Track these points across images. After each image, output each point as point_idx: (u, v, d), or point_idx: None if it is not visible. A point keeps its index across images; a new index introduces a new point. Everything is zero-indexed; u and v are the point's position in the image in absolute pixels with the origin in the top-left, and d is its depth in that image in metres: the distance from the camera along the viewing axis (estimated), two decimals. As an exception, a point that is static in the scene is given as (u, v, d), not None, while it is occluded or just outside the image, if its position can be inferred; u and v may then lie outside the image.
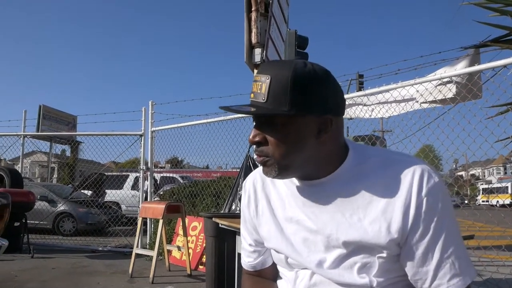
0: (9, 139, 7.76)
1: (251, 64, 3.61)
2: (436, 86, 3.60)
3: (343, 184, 0.89)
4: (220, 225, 2.93)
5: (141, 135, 6.74)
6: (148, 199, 6.47)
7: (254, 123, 0.90)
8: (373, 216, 0.85)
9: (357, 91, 5.20)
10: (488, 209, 3.83)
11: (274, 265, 1.07)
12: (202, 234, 5.10)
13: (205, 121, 5.79)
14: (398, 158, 0.90)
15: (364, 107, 4.29)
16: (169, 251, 5.26)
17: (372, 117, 4.27)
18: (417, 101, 3.79)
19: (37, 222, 7.90)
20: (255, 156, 0.93)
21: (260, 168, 1.03)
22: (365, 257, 0.86)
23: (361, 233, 0.85)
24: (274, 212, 1.00)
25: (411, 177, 0.84)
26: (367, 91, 4.10)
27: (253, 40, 3.61)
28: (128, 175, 12.25)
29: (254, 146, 0.91)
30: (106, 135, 7.23)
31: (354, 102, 4.39)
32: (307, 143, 0.86)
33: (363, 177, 0.88)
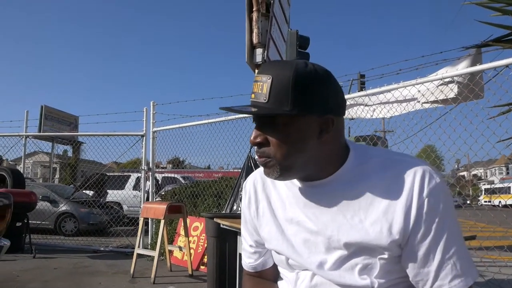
0: (11, 139, 7.79)
1: (252, 64, 3.61)
2: (437, 86, 3.59)
3: (344, 185, 0.89)
4: (221, 226, 2.93)
5: (142, 136, 6.75)
6: (150, 200, 6.47)
7: (255, 124, 0.90)
8: (375, 217, 0.84)
9: (358, 91, 5.19)
10: (490, 209, 3.81)
11: (275, 266, 1.07)
12: (204, 235, 5.09)
13: (206, 121, 5.80)
14: (400, 158, 0.90)
15: (366, 107, 4.29)
16: (171, 252, 5.26)
17: (374, 117, 4.27)
18: (419, 101, 3.79)
19: (39, 222, 7.90)
20: (256, 157, 0.92)
21: (260, 168, 1.03)
22: (366, 259, 0.85)
23: (362, 234, 0.84)
24: (274, 213, 0.99)
25: (412, 178, 0.84)
26: (369, 91, 4.09)
27: (254, 40, 3.61)
28: (130, 175, 12.26)
29: (255, 147, 0.90)
30: (108, 135, 7.24)
31: (355, 102, 4.39)
32: (309, 143, 0.85)
33: (364, 178, 0.88)
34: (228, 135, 5.55)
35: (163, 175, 12.16)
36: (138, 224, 5.29)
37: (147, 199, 6.61)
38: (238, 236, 2.71)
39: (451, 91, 3.50)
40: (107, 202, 10.46)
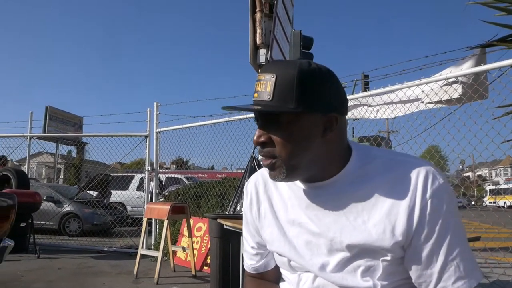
0: (16, 140, 7.82)
1: (256, 65, 3.61)
2: (441, 87, 3.57)
3: (347, 186, 0.88)
4: (224, 226, 2.93)
5: (146, 136, 6.76)
6: (153, 200, 6.48)
7: (258, 124, 0.89)
8: (378, 218, 0.84)
9: (362, 92, 5.17)
10: (495, 210, 3.79)
11: (276, 267, 1.06)
12: (207, 235, 5.10)
13: (210, 122, 5.79)
14: (403, 159, 0.89)
15: (370, 108, 4.27)
16: (174, 252, 5.27)
17: (378, 117, 4.24)
18: (423, 102, 3.77)
19: (43, 222, 7.95)
20: (259, 157, 0.92)
21: (262, 169, 1.02)
22: (369, 260, 0.85)
23: (365, 236, 0.84)
24: (276, 215, 0.99)
25: (415, 179, 0.83)
26: (372, 92, 4.07)
27: (258, 41, 3.61)
28: (134, 176, 12.29)
29: (259, 147, 0.89)
30: (112, 136, 7.26)
31: (359, 103, 4.37)
32: (313, 141, 0.85)
33: (367, 179, 0.87)
34: (231, 136, 5.54)
35: (166, 175, 12.19)
36: (141, 224, 5.29)
37: (151, 199, 6.62)
38: (241, 237, 2.70)
39: (455, 91, 3.48)
40: (111, 202, 10.51)
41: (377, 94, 4.05)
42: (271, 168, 0.88)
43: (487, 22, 3.09)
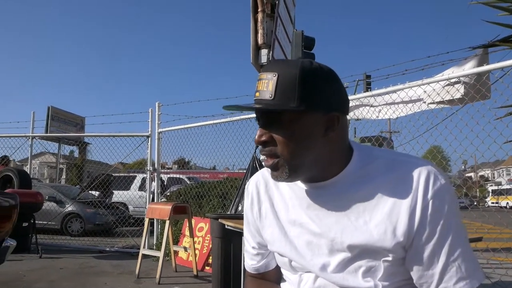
0: (18, 140, 7.85)
1: (258, 65, 3.61)
2: (443, 87, 3.56)
3: (348, 186, 0.88)
4: (226, 226, 2.93)
5: (148, 136, 6.77)
6: (155, 200, 6.49)
7: (259, 123, 0.89)
8: (379, 218, 0.83)
9: (364, 92, 5.16)
10: (497, 211, 3.78)
11: (277, 267, 1.06)
12: (209, 235, 5.10)
13: (211, 122, 5.79)
14: (404, 159, 0.89)
15: (371, 108, 4.26)
16: (176, 252, 5.27)
17: (379, 118, 4.23)
18: (425, 102, 3.76)
19: (45, 222, 7.95)
20: (261, 157, 0.91)
21: (263, 169, 1.02)
22: (370, 261, 0.84)
23: (366, 236, 0.83)
24: (277, 215, 0.99)
25: (417, 179, 0.83)
26: (374, 92, 4.07)
27: (260, 41, 3.61)
28: (135, 176, 12.31)
29: (261, 147, 0.89)
30: (114, 136, 7.28)
31: (361, 103, 4.36)
32: (315, 141, 0.85)
33: (368, 179, 0.87)
34: (233, 136, 5.55)
35: (168, 175, 12.21)
36: (143, 224, 5.30)
37: (153, 199, 6.63)
38: (243, 237, 2.70)
39: (458, 91, 3.47)
40: (113, 202, 10.51)
41: (379, 94, 4.04)
42: (274, 168, 0.88)
43: (490, 22, 3.08)
